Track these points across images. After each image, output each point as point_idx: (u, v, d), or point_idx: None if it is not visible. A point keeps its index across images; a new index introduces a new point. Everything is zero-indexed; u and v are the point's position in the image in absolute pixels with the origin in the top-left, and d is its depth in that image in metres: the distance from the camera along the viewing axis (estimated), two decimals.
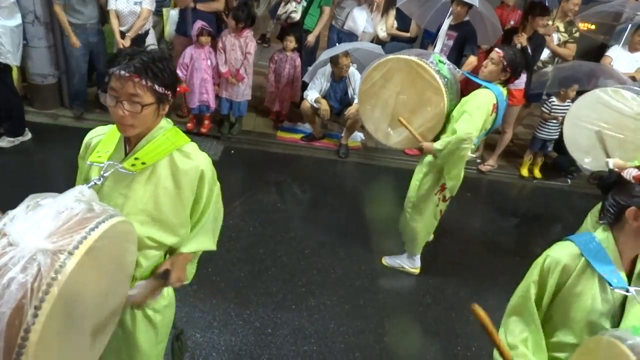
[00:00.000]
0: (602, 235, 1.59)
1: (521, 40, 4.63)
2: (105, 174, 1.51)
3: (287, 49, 5.30)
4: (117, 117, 1.44)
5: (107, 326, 1.46)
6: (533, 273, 1.68)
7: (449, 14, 4.63)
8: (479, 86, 3.11)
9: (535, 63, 4.98)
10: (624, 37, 5.05)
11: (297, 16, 5.42)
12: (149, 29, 4.99)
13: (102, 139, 1.62)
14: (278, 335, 2.96)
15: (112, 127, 1.62)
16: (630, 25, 5.04)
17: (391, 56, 3.20)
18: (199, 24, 4.78)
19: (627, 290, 1.51)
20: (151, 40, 5.07)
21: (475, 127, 2.96)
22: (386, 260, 3.68)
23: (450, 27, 4.70)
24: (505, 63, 2.99)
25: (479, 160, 5.41)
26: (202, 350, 2.77)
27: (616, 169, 3.23)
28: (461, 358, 3.03)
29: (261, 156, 5.11)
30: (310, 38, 5.57)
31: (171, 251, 1.74)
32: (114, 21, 4.67)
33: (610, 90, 3.55)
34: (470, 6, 4.51)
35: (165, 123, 1.60)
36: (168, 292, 1.80)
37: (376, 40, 5.89)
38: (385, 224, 3.93)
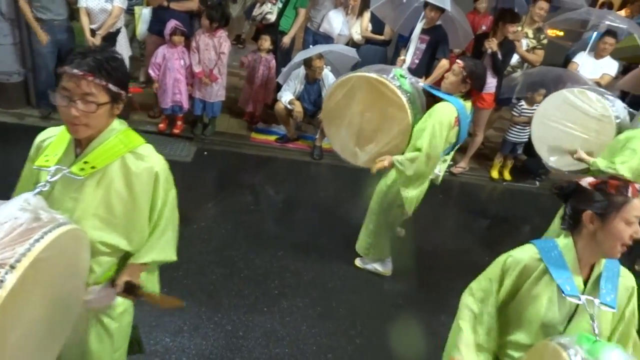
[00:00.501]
0: (563, 241, 1.64)
1: (492, 45, 4.72)
2: (51, 179, 1.46)
3: (262, 49, 5.28)
4: (69, 117, 1.40)
5: (61, 334, 1.42)
6: (493, 271, 1.75)
7: (421, 17, 4.69)
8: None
9: (505, 68, 5.09)
10: (590, 44, 5.21)
11: (272, 17, 5.41)
12: (121, 27, 4.91)
13: (52, 141, 1.57)
14: (250, 338, 2.94)
15: (63, 129, 1.56)
16: (596, 33, 5.21)
17: (352, 74, 3.16)
18: (172, 23, 4.72)
19: (579, 299, 1.57)
20: (123, 39, 4.99)
21: (437, 145, 2.95)
22: (359, 263, 3.70)
23: (423, 31, 4.76)
24: (464, 74, 2.97)
25: (451, 163, 5.48)
26: (172, 355, 2.73)
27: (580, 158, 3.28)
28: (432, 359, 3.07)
29: (235, 158, 5.07)
30: (286, 39, 5.56)
31: (125, 257, 1.69)
32: (84, 19, 4.57)
33: (577, 91, 3.64)
34: (442, 10, 4.58)
35: (118, 124, 1.56)
36: (124, 299, 1.76)
37: (351, 43, 5.92)
38: (358, 226, 3.91)
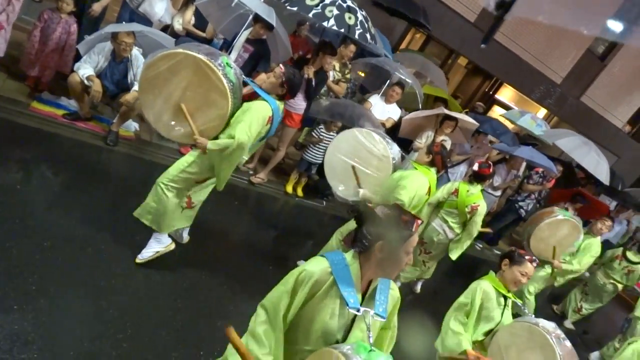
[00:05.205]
0: (350, 259, 1.81)
1: (309, 72, 5.06)
2: None
3: (62, 10, 4.60)
4: None
5: None
6: (288, 282, 1.80)
7: (245, 26, 4.75)
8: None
9: (316, 94, 5.49)
10: (383, 89, 6.04)
11: None
12: None
13: None
14: None
15: None
16: (388, 81, 6.06)
17: (180, 50, 3.09)
18: None
19: (359, 311, 1.74)
20: None
21: (251, 136, 3.19)
22: (140, 257, 3.46)
23: (248, 41, 4.83)
24: (283, 79, 3.30)
25: (251, 172, 5.63)
26: None
27: (367, 202, 3.80)
28: None
29: (4, 125, 4.24)
30: (96, 7, 5.00)
31: None
32: None
33: (365, 132, 4.19)
34: (271, 28, 4.72)
35: None
36: None
37: (170, 31, 5.63)
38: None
